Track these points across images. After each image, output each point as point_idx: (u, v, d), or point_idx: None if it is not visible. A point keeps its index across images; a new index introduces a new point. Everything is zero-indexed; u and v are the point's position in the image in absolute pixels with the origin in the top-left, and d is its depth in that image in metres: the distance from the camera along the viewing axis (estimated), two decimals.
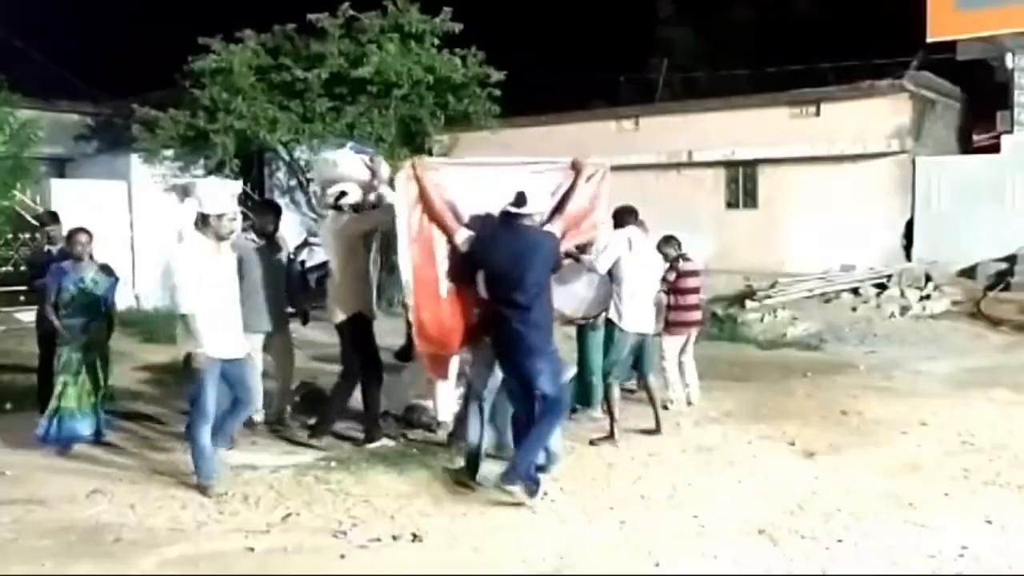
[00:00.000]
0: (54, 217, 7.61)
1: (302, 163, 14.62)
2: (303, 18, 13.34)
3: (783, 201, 16.38)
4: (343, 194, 6.58)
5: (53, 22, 21.97)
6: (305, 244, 14.42)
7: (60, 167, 14.46)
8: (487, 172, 5.98)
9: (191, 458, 5.58)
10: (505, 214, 5.42)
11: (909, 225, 15.44)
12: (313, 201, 14.79)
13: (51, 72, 16.73)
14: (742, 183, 17.16)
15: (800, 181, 16.48)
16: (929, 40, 15.43)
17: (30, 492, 5.58)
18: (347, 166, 6.56)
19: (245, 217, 6.63)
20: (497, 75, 13.75)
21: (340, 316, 6.52)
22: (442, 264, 5.67)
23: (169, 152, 13.52)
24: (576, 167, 5.90)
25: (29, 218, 11.37)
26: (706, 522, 4.97)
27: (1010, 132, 15.37)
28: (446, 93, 13.88)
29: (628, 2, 20.59)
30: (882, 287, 13.59)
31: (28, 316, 8.08)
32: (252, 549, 4.65)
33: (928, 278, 13.53)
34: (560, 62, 19.07)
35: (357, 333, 6.49)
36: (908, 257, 15.16)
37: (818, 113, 16.44)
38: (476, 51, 13.74)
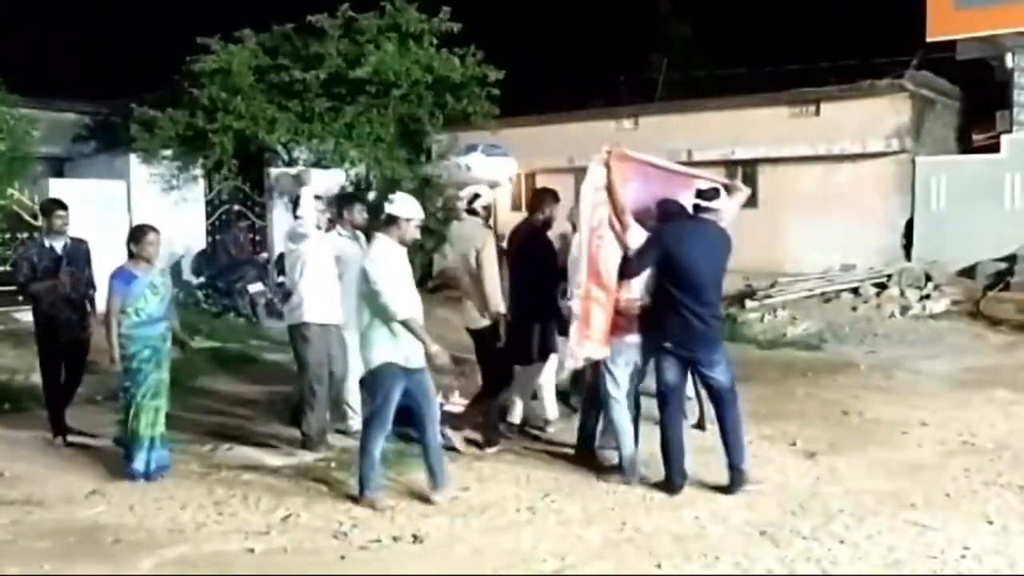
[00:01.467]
0: (61, 205, 6.96)
1: (301, 163, 14.61)
2: (302, 18, 13.34)
3: (783, 200, 16.36)
4: (476, 196, 6.64)
5: (52, 21, 21.95)
6: None
7: (58, 167, 14.41)
8: (661, 173, 5.91)
9: (359, 469, 5.35)
10: (696, 207, 5.49)
11: (909, 225, 15.42)
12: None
13: (49, 71, 16.72)
14: (742, 182, 17.13)
15: (800, 180, 16.46)
16: (928, 40, 15.41)
17: (28, 493, 5.57)
18: (480, 168, 6.61)
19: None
20: (496, 74, 13.74)
21: (482, 321, 6.37)
22: (612, 256, 5.58)
23: (168, 152, 13.50)
24: (730, 189, 5.99)
25: (27, 217, 11.33)
26: (707, 523, 4.96)
27: (1009, 132, 15.34)
28: (445, 93, 13.87)
29: (628, 0, 20.60)
30: (882, 287, 13.57)
31: (27, 316, 7.99)
32: (252, 550, 4.64)
33: (928, 278, 13.52)
34: (559, 61, 19.06)
35: (496, 338, 6.41)
36: (908, 257, 15.14)
37: (818, 112, 16.42)
38: (475, 50, 13.73)
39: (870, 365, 9.63)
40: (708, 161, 17.00)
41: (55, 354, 6.81)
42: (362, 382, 6.01)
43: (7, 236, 11.47)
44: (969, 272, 13.90)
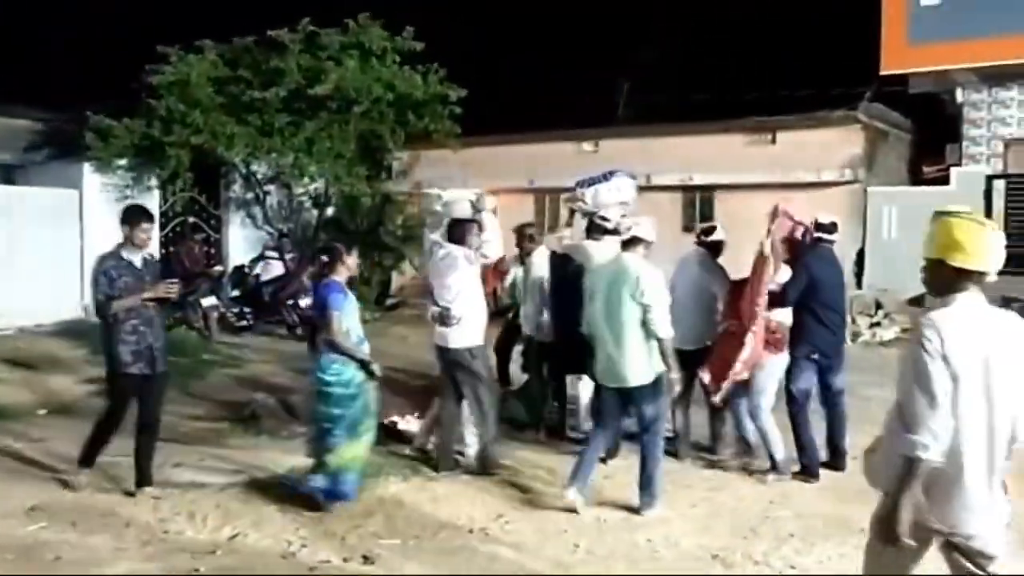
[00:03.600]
0: (147, 215, 6.00)
1: (259, 177, 14.48)
2: (263, 31, 13.23)
3: (739, 226, 16.43)
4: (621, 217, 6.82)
5: (6, 25, 21.53)
6: (261, 258, 14.37)
7: (8, 174, 14.12)
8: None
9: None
10: (818, 239, 6.52)
11: (860, 253, 15.71)
12: (270, 214, 14.67)
13: (1, 76, 16.38)
14: (699, 207, 17.36)
15: (756, 207, 16.62)
16: (882, 73, 15.78)
17: None
18: (627, 191, 6.97)
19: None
20: (458, 93, 13.76)
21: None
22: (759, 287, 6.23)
23: (123, 161, 13.28)
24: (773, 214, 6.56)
25: None
26: (660, 546, 4.97)
27: (959, 165, 15.76)
28: (406, 110, 13.85)
29: (593, 23, 20.76)
30: None
31: None
32: (197, 570, 4.55)
33: (879, 306, 13.76)
34: (522, 82, 19.15)
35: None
36: (859, 285, 15.42)
37: (774, 141, 16.71)
38: (437, 69, 13.74)
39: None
40: (666, 186, 17.23)
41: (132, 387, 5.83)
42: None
43: None
44: (918, 301, 14.18)
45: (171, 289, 5.80)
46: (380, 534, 5.08)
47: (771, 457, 6.27)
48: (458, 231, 6.34)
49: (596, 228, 6.82)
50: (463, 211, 6.47)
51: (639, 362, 5.43)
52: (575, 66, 18.61)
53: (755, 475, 6.28)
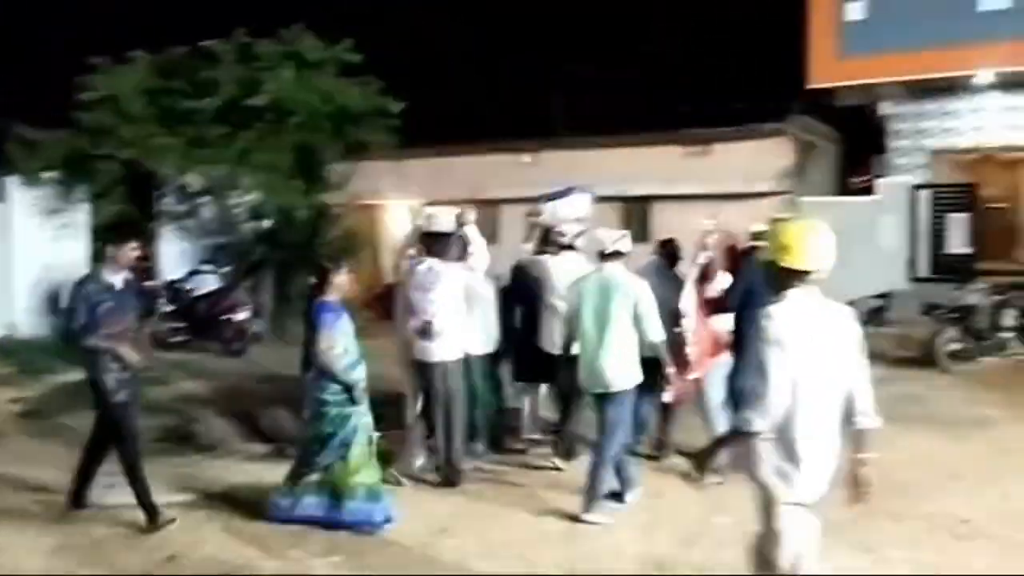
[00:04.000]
0: (135, 231, 5.99)
1: (192, 189, 14.21)
2: (196, 41, 13.01)
3: (675, 236, 16.81)
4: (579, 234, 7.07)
5: None
6: (195, 272, 14.09)
7: None
8: None
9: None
10: (753, 247, 6.84)
11: None
12: (204, 227, 14.39)
13: None
14: (636, 218, 17.58)
15: (691, 218, 16.91)
16: (810, 86, 16.22)
17: None
18: (582, 207, 7.15)
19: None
20: (396, 106, 13.72)
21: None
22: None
23: (52, 175, 12.90)
24: None
25: None
26: (602, 556, 5.00)
27: (884, 176, 16.25)
28: (344, 122, 13.75)
29: (531, 37, 20.95)
30: None
31: None
32: None
33: None
34: (460, 94, 19.21)
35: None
36: None
37: (708, 153, 17.04)
38: (375, 81, 13.68)
39: None
40: (604, 197, 17.35)
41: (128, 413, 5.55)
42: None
43: None
44: (850, 306, 14.56)
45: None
46: (319, 553, 5.02)
47: (707, 456, 6.28)
48: (440, 245, 6.38)
49: (552, 242, 6.93)
50: (447, 225, 6.52)
51: (624, 368, 5.64)
52: (513, 79, 18.75)
53: (695, 482, 6.35)
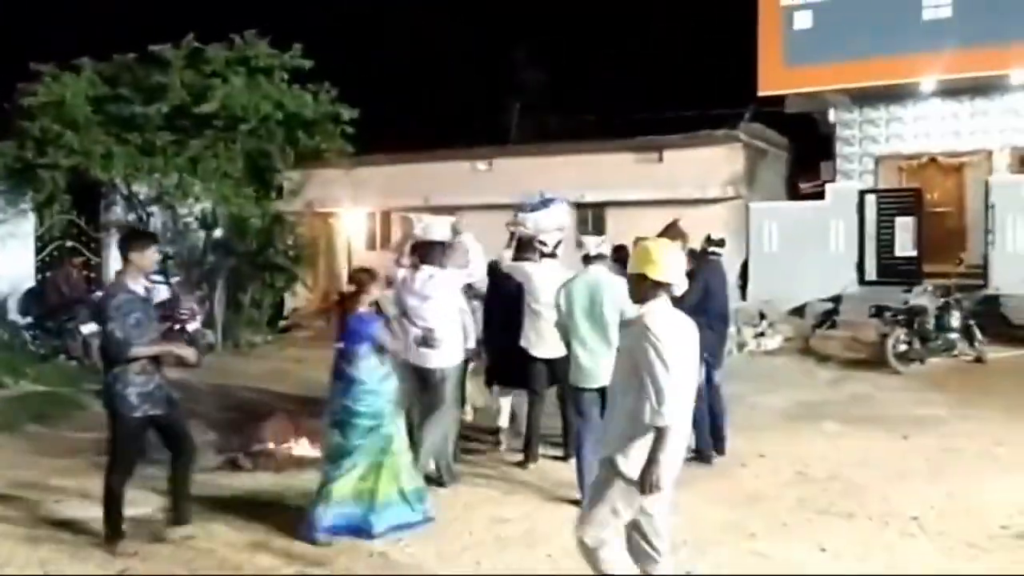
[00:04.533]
0: (152, 236, 5.83)
1: (141, 197, 13.98)
2: (145, 47, 12.80)
3: (629, 241, 16.95)
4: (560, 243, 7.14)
5: None
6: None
7: None
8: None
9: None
10: (713, 252, 7.48)
11: (744, 266, 16.28)
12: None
13: None
14: (591, 224, 17.69)
15: (645, 223, 17.00)
16: (760, 94, 16.47)
17: None
18: (563, 217, 7.22)
19: None
20: (349, 113, 13.64)
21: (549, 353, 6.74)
22: None
23: None
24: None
25: None
26: (559, 559, 5.00)
27: (832, 181, 16.56)
28: (296, 129, 13.64)
29: (484, 45, 21.01)
30: None
31: None
32: None
33: (762, 316, 14.28)
34: (415, 102, 19.19)
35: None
36: (744, 296, 15.96)
37: (661, 159, 17.22)
38: (328, 88, 13.59)
39: None
40: None
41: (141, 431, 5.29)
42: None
43: None
44: (800, 311, 14.80)
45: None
46: (278, 567, 4.95)
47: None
48: (435, 253, 6.44)
49: (532, 250, 7.06)
50: (442, 233, 6.57)
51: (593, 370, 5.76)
52: (468, 87, 18.77)
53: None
